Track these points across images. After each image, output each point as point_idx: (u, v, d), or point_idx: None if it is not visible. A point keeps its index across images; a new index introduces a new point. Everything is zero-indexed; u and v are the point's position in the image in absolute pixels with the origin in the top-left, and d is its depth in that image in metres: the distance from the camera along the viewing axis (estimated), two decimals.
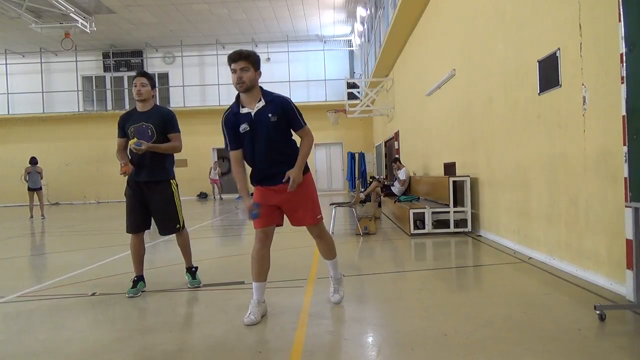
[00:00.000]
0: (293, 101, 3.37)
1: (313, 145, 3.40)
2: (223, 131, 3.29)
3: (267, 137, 3.20)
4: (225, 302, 3.95)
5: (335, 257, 3.61)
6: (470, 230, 7.03)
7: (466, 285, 4.54)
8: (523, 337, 2.81)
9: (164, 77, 23.06)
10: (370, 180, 12.84)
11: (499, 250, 5.67)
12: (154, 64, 23.10)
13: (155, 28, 20.29)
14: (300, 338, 2.90)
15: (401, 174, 10.29)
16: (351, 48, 22.82)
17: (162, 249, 6.99)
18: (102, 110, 22.84)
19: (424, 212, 7.21)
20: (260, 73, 3.25)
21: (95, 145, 22.45)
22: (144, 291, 4.19)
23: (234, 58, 3.16)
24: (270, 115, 3.19)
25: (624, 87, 2.94)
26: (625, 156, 2.96)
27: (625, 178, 2.98)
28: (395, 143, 14.84)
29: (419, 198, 9.01)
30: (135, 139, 3.96)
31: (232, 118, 3.26)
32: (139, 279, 4.18)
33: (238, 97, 3.26)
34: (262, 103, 3.21)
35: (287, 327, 3.12)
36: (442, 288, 4.20)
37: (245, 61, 3.14)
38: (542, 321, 3.07)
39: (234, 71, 3.15)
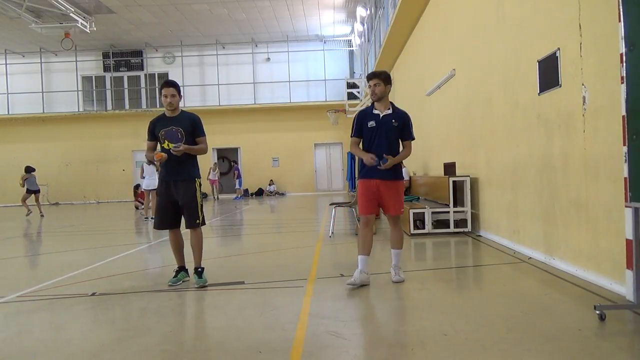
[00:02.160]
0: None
1: (409, 155, 4.43)
2: (354, 121, 4.38)
3: (385, 135, 4.22)
4: (225, 302, 3.94)
5: (401, 248, 4.40)
6: (470, 230, 7.03)
7: (466, 285, 4.54)
8: (523, 337, 2.81)
9: (164, 77, 22.99)
10: None
11: (499, 250, 5.67)
12: (154, 64, 23.11)
13: (155, 28, 20.28)
14: (300, 338, 2.90)
15: None
16: (351, 48, 22.81)
17: (161, 250, 6.99)
18: (102, 110, 22.82)
19: (423, 212, 7.21)
20: (390, 87, 4.31)
21: (95, 145, 22.45)
22: (185, 281, 4.46)
23: (369, 77, 4.31)
24: (393, 120, 4.25)
25: (624, 87, 2.94)
26: (625, 156, 2.96)
27: (625, 178, 2.98)
28: None
29: (419, 198, 9.01)
30: (172, 144, 4.31)
31: (363, 114, 4.37)
32: (181, 269, 4.50)
33: (373, 103, 4.35)
34: (389, 111, 4.29)
35: (287, 327, 3.12)
36: (442, 288, 4.20)
37: (377, 79, 4.24)
38: (542, 321, 3.07)
39: (369, 86, 4.28)
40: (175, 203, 4.42)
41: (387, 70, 4.43)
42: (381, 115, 4.25)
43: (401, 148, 4.39)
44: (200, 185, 4.53)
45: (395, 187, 4.27)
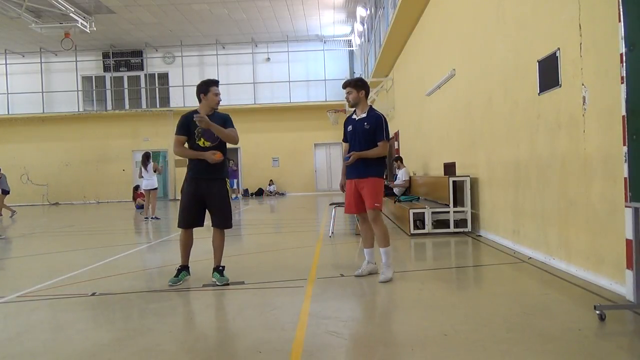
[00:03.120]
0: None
1: (384, 155, 4.51)
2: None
3: (358, 138, 4.45)
4: (226, 302, 3.95)
5: (388, 246, 4.39)
6: (470, 230, 7.03)
7: (466, 285, 4.54)
8: (523, 337, 2.81)
9: (164, 77, 23.05)
10: None
11: (499, 250, 5.67)
12: (154, 64, 23.10)
13: (155, 28, 20.28)
14: (300, 338, 2.90)
15: (401, 174, 10.28)
16: (351, 48, 22.80)
17: (161, 250, 6.99)
18: (102, 110, 22.81)
19: (424, 212, 7.21)
20: (364, 92, 4.52)
21: (95, 145, 22.44)
22: (186, 280, 4.49)
23: (343, 86, 4.63)
24: (365, 123, 4.44)
25: (623, 87, 2.94)
26: (625, 156, 2.96)
27: (625, 178, 2.98)
28: (395, 143, 14.85)
29: (419, 198, 9.01)
30: (208, 142, 4.41)
31: (346, 120, 4.67)
32: (183, 269, 4.52)
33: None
34: (364, 115, 4.49)
35: (287, 327, 3.12)
36: (442, 288, 4.20)
37: (349, 87, 4.52)
38: (542, 321, 3.07)
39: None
40: (202, 202, 4.43)
41: (361, 77, 4.71)
42: (357, 119, 4.51)
43: None
44: (229, 185, 4.62)
45: (368, 184, 4.40)
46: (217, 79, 4.65)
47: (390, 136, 16.31)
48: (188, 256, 4.57)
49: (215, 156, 4.33)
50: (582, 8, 4.02)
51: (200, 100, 4.50)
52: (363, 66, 20.56)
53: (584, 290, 3.75)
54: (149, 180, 11.58)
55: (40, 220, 13.20)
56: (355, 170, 4.47)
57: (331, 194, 21.23)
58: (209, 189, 4.41)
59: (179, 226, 4.54)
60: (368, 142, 4.42)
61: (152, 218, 11.28)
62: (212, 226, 4.52)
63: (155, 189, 11.65)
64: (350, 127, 4.56)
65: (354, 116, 4.57)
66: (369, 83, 17.58)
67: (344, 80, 4.67)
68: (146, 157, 11.78)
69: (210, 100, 4.46)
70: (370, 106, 4.60)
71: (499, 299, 3.70)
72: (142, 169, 11.73)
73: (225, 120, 4.53)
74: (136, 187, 17.30)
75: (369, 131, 4.41)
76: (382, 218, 4.46)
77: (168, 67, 23.05)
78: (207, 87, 4.47)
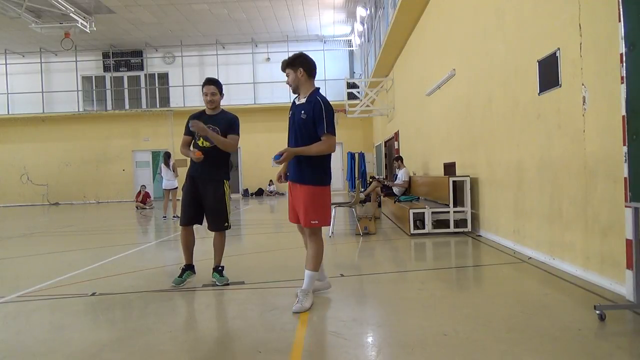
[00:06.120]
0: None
1: (328, 153, 3.62)
2: None
3: (295, 130, 3.58)
4: (226, 302, 3.94)
5: (316, 271, 3.63)
6: (470, 230, 7.02)
7: (466, 285, 4.54)
8: (523, 337, 2.81)
9: (164, 77, 23.04)
10: (370, 180, 12.84)
11: (499, 250, 5.67)
12: (154, 64, 23.10)
13: (155, 28, 20.27)
14: (300, 338, 2.91)
15: (401, 174, 10.28)
16: (351, 48, 22.80)
17: (161, 249, 6.99)
18: (102, 110, 22.81)
19: (423, 212, 7.21)
20: (303, 71, 3.57)
21: (95, 145, 22.44)
22: (190, 280, 4.48)
23: (281, 69, 3.66)
24: (302, 112, 3.53)
25: (623, 87, 2.94)
26: (625, 156, 2.96)
27: (625, 178, 2.98)
28: (395, 143, 14.85)
29: (419, 198, 9.01)
30: (207, 142, 4.34)
31: (292, 105, 3.73)
32: (187, 268, 4.48)
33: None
34: (304, 100, 3.57)
35: (287, 327, 3.12)
36: (442, 288, 4.20)
37: (287, 67, 3.61)
38: (542, 321, 3.07)
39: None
40: (199, 201, 4.40)
41: (301, 52, 3.75)
42: (296, 104, 3.65)
43: None
44: (229, 187, 4.53)
45: (303, 192, 3.58)
46: (211, 77, 4.55)
47: (390, 136, 16.44)
48: (191, 255, 4.55)
49: (194, 154, 4.27)
50: (582, 8, 4.02)
51: None
52: (363, 66, 20.55)
53: (584, 290, 3.75)
54: (170, 181, 11.63)
55: (40, 220, 13.19)
56: (292, 169, 3.65)
57: (331, 193, 21.22)
58: (204, 189, 4.39)
59: (180, 224, 4.55)
60: (306, 136, 3.50)
61: (174, 217, 11.30)
62: (208, 228, 4.52)
63: (175, 188, 11.69)
64: (290, 114, 3.69)
65: (297, 100, 3.68)
66: (368, 83, 17.36)
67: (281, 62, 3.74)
68: (167, 157, 11.81)
69: (203, 100, 4.45)
70: (316, 89, 3.62)
71: (499, 299, 3.70)
72: (163, 167, 11.73)
73: (231, 124, 4.44)
74: (142, 187, 17.31)
75: (307, 122, 3.48)
76: (321, 235, 3.68)
77: (168, 67, 23.04)
78: (202, 87, 4.46)
